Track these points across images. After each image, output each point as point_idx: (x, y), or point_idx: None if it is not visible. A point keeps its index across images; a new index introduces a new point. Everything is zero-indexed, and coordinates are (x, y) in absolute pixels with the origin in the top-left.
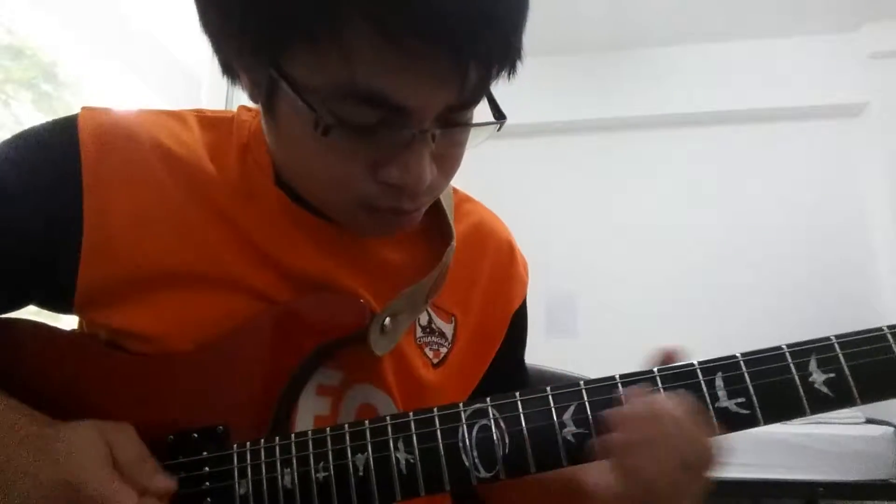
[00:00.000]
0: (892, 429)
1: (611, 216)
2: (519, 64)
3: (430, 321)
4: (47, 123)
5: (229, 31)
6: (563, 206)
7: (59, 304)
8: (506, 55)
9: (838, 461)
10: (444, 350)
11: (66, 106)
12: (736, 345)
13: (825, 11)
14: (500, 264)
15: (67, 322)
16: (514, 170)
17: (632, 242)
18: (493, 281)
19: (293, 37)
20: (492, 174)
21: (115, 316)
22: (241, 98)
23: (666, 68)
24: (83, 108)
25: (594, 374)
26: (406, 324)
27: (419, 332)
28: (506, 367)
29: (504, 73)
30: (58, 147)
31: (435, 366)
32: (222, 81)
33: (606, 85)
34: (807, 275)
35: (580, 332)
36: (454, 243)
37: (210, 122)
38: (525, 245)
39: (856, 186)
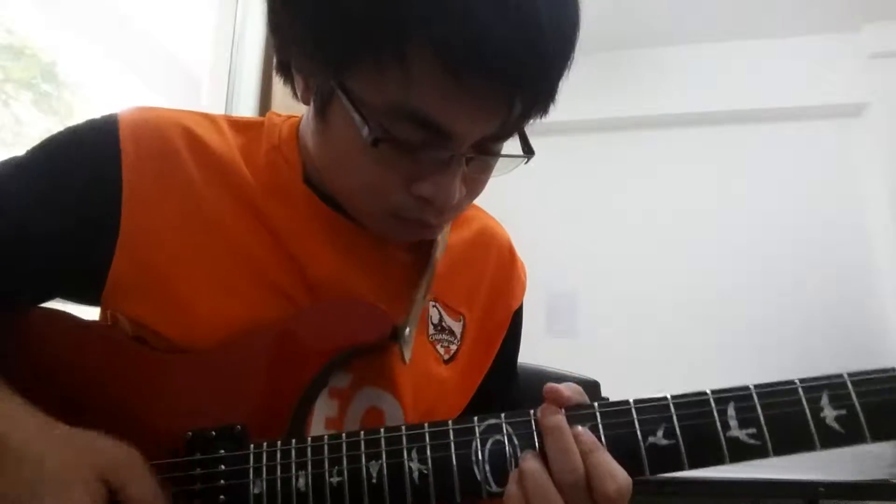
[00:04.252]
0: None
1: (611, 216)
2: (551, 106)
3: (441, 319)
4: (90, 121)
5: (301, 40)
6: (563, 206)
7: (87, 295)
8: (550, 96)
9: (838, 461)
10: (454, 347)
11: (67, 106)
12: (735, 344)
13: (825, 11)
14: (501, 266)
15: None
16: (514, 169)
17: (632, 242)
18: (495, 281)
19: (361, 54)
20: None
21: (140, 310)
22: (241, 100)
23: (666, 68)
24: (122, 109)
25: (594, 375)
26: (415, 325)
27: (431, 330)
28: (502, 366)
29: (540, 112)
30: (99, 144)
31: (446, 362)
32: (222, 82)
33: (606, 85)
34: (807, 275)
35: (580, 332)
36: (438, 240)
37: (241, 126)
38: (525, 245)
39: (856, 186)
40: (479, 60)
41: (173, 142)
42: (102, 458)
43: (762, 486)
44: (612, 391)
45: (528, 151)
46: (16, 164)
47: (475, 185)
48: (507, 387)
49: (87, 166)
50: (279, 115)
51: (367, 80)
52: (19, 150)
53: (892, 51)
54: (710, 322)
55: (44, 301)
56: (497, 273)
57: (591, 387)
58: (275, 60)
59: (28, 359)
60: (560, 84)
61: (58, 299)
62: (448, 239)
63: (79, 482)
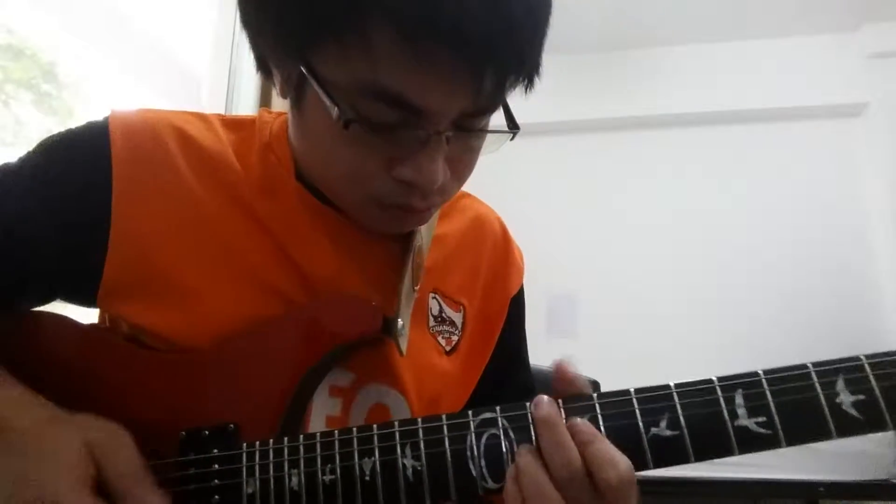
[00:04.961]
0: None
1: (611, 216)
2: (536, 79)
3: (441, 310)
4: (81, 125)
5: (264, 27)
6: (563, 206)
7: (84, 298)
8: (520, 67)
9: (838, 461)
10: (455, 338)
11: (66, 106)
12: (735, 344)
13: (825, 11)
14: (497, 252)
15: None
16: (514, 169)
17: (632, 243)
18: (491, 268)
19: (322, 34)
20: (492, 174)
21: (135, 311)
22: (241, 100)
23: (665, 68)
24: (113, 110)
25: (594, 375)
26: (408, 316)
27: (432, 322)
28: (505, 355)
29: (520, 86)
30: (90, 147)
31: (448, 353)
32: (222, 81)
33: (606, 85)
34: (807, 275)
35: (580, 333)
36: (422, 229)
37: (233, 124)
38: (525, 245)
39: (856, 186)
40: (439, 31)
41: (165, 142)
42: (88, 435)
43: (762, 486)
44: None
45: (514, 126)
46: (12, 169)
47: (461, 166)
48: (514, 378)
49: (77, 169)
50: (270, 113)
51: (332, 60)
52: (19, 150)
53: (892, 51)
54: (710, 322)
55: (43, 303)
56: (493, 259)
57: (591, 387)
58: (254, 58)
59: (24, 361)
60: (538, 52)
61: (59, 301)
62: (437, 228)
63: (68, 459)
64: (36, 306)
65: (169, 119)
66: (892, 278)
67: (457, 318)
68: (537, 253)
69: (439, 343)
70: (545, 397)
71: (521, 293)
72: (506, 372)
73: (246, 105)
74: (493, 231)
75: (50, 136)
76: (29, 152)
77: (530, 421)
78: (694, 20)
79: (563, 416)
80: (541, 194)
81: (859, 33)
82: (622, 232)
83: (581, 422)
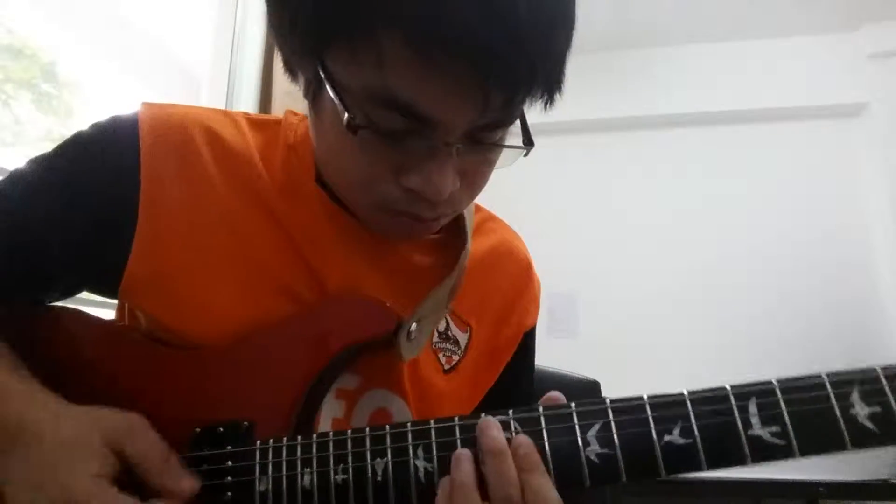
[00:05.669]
0: None
1: (611, 216)
2: (558, 95)
3: (448, 328)
4: (112, 117)
5: (285, 29)
6: (563, 206)
7: (108, 289)
8: (532, 82)
9: (838, 461)
10: (455, 358)
11: (66, 106)
12: (735, 344)
13: (825, 11)
14: (517, 283)
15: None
16: (513, 169)
17: (632, 242)
18: (508, 298)
19: (334, 36)
20: (492, 173)
21: (152, 305)
22: (241, 100)
23: (666, 68)
24: (143, 104)
25: (594, 375)
26: (429, 329)
27: (436, 338)
28: (507, 388)
29: (537, 100)
30: (119, 141)
31: (445, 372)
32: (222, 81)
33: (606, 85)
34: (807, 275)
35: (581, 333)
36: (468, 246)
37: (259, 124)
38: (526, 245)
39: (856, 186)
40: (446, 41)
41: (194, 140)
42: (103, 425)
43: (763, 485)
44: (613, 391)
45: (528, 143)
46: (41, 162)
47: (473, 177)
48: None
49: (106, 166)
50: (296, 115)
51: (345, 64)
52: (19, 150)
53: (892, 51)
54: (710, 322)
55: (70, 295)
56: (511, 289)
57: (591, 387)
58: (282, 61)
59: (42, 355)
60: (555, 68)
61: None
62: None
63: (85, 450)
64: (63, 298)
65: (197, 115)
66: (893, 278)
67: (462, 338)
68: (537, 253)
69: (439, 360)
70: (492, 420)
71: (533, 331)
72: (502, 400)
73: (246, 105)
74: (517, 262)
75: (81, 130)
76: (60, 145)
77: (543, 425)
78: (694, 20)
79: (514, 429)
80: (541, 194)
81: (859, 33)
82: (622, 232)
83: (526, 446)
